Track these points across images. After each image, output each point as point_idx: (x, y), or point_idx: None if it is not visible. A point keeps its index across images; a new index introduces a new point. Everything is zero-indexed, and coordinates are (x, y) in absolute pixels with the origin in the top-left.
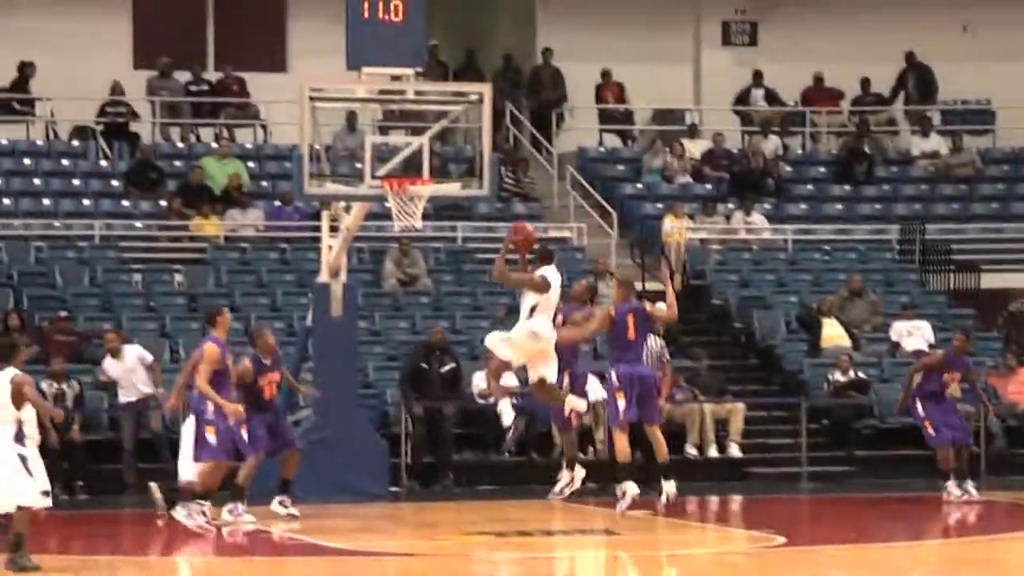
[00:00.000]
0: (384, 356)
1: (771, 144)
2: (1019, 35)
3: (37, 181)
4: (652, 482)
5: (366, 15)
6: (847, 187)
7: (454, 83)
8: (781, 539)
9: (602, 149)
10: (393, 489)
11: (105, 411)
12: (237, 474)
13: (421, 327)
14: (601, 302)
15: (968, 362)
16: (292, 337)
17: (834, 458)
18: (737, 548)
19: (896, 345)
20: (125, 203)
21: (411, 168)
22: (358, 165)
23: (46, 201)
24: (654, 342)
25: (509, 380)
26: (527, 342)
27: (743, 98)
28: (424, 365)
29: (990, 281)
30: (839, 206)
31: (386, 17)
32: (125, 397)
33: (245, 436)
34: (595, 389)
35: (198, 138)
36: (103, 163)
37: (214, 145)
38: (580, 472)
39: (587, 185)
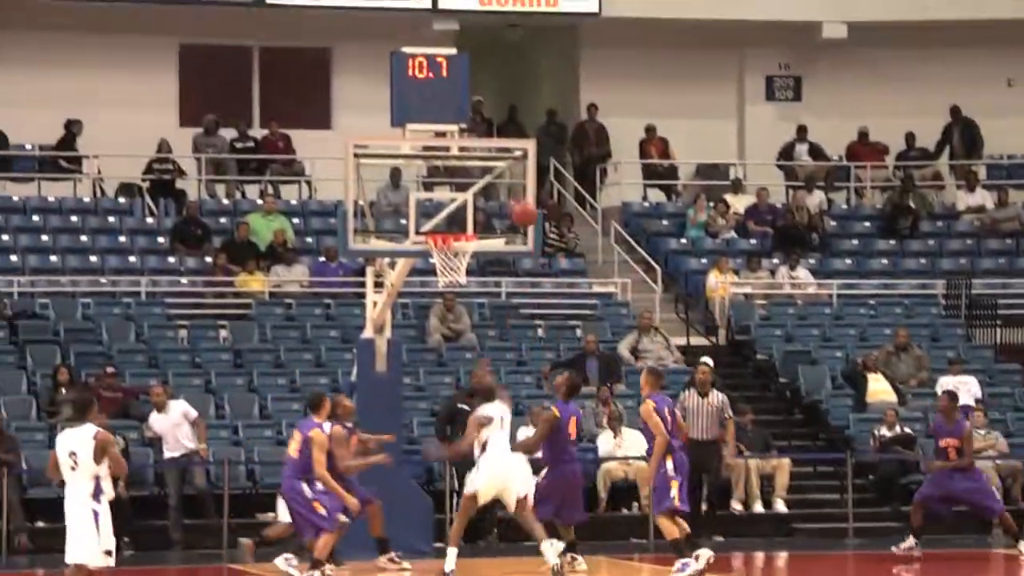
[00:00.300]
0: (428, 412)
1: (815, 199)
2: None
3: (84, 238)
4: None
5: (410, 72)
6: (892, 242)
7: (498, 139)
8: None
9: (646, 204)
10: (438, 545)
11: (150, 466)
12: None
13: (465, 383)
14: (644, 357)
15: (963, 425)
16: (337, 393)
17: (880, 514)
18: None
19: None
20: (171, 259)
21: (455, 224)
22: (403, 221)
23: (93, 258)
24: (715, 398)
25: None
26: (493, 481)
27: (787, 153)
28: (463, 406)
29: None
30: (884, 261)
31: (430, 74)
32: (170, 452)
33: (323, 511)
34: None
35: (243, 195)
36: (149, 220)
37: (259, 201)
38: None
39: (631, 240)
